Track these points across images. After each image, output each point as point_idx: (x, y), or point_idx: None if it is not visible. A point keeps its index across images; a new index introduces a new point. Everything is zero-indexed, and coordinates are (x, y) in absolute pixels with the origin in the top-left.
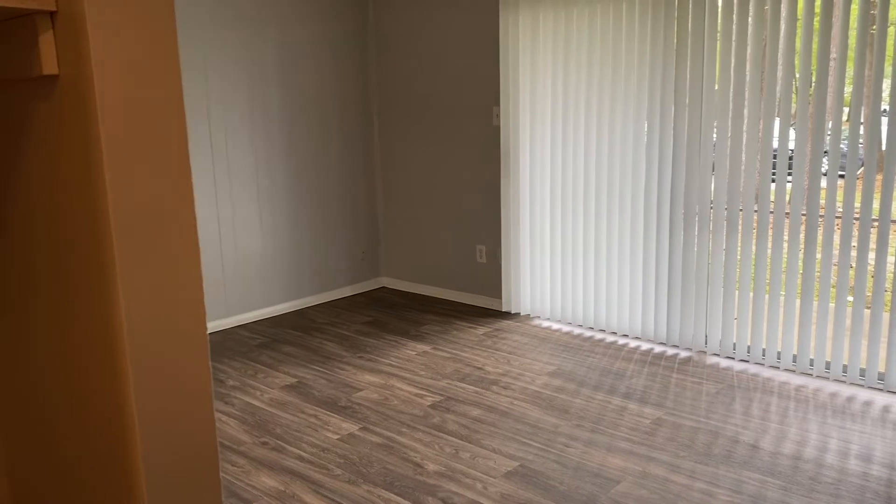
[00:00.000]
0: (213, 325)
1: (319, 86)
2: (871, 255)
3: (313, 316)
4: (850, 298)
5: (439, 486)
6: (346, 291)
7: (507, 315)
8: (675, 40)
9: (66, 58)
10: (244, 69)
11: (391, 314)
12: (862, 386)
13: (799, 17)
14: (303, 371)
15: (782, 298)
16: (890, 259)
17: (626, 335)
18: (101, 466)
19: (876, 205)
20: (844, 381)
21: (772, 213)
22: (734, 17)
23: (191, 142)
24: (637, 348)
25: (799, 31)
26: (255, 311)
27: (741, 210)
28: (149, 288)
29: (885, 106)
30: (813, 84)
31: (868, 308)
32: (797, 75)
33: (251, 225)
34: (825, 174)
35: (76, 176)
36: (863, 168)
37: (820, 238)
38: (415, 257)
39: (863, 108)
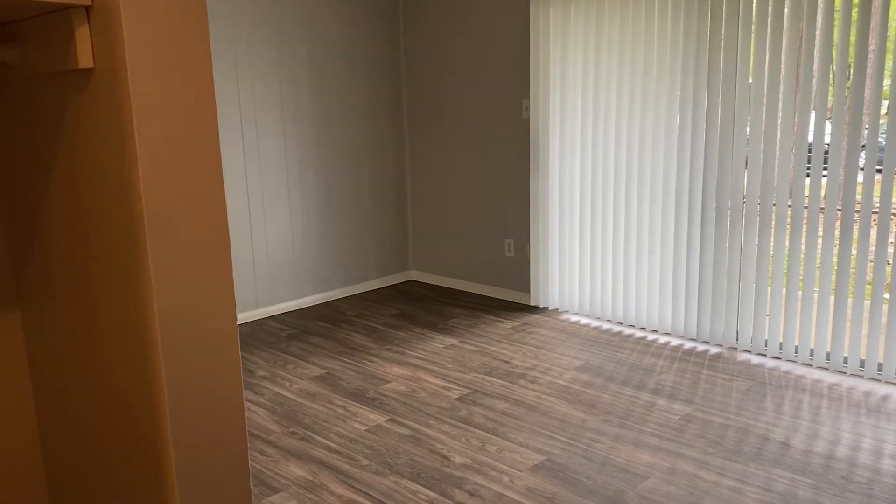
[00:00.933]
0: (243, 317)
1: (349, 79)
2: None
3: (342, 308)
4: (887, 296)
5: (466, 479)
6: (375, 284)
7: (535, 309)
8: (709, 31)
9: (101, 51)
10: (274, 62)
11: (419, 307)
12: None
13: (837, 7)
14: (331, 362)
15: (816, 295)
16: None
17: (655, 331)
18: (131, 453)
19: None
20: (879, 380)
21: (806, 208)
22: (769, 7)
23: (221, 135)
24: (666, 344)
25: (836, 22)
26: (284, 303)
27: (775, 205)
28: (180, 279)
29: None
30: (850, 76)
31: None
32: (834, 67)
33: (281, 218)
34: (862, 169)
35: (110, 168)
36: None
37: (855, 234)
38: (443, 250)
39: None
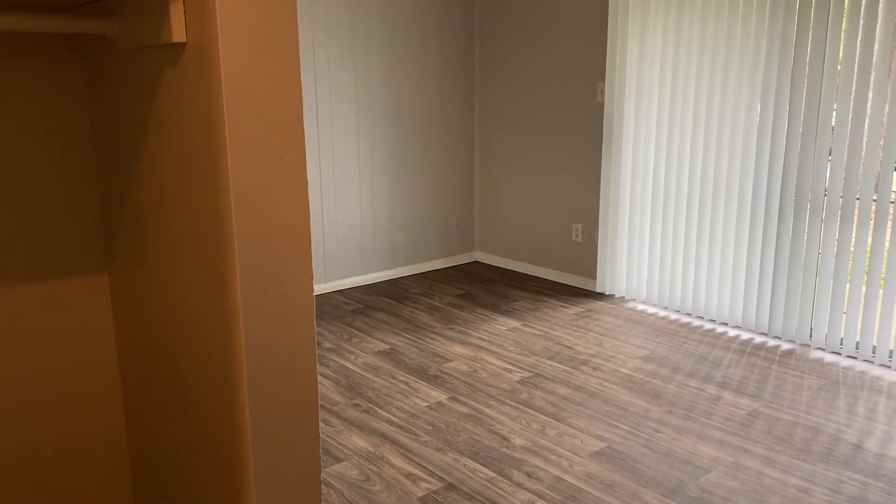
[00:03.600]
0: None
1: (422, 60)
2: None
3: (407, 286)
4: None
5: (524, 461)
6: (439, 264)
7: (600, 296)
8: (797, 13)
9: (194, 26)
10: (349, 43)
11: (483, 288)
12: None
13: None
14: (395, 338)
15: None
16: None
17: (724, 323)
18: (209, 410)
19: None
20: None
21: (893, 203)
22: None
23: None
24: (736, 337)
25: None
26: (351, 278)
27: (858, 198)
28: (262, 250)
29: None
30: None
31: None
32: None
33: (351, 195)
34: None
35: (199, 141)
36: None
37: None
38: (509, 233)
39: None
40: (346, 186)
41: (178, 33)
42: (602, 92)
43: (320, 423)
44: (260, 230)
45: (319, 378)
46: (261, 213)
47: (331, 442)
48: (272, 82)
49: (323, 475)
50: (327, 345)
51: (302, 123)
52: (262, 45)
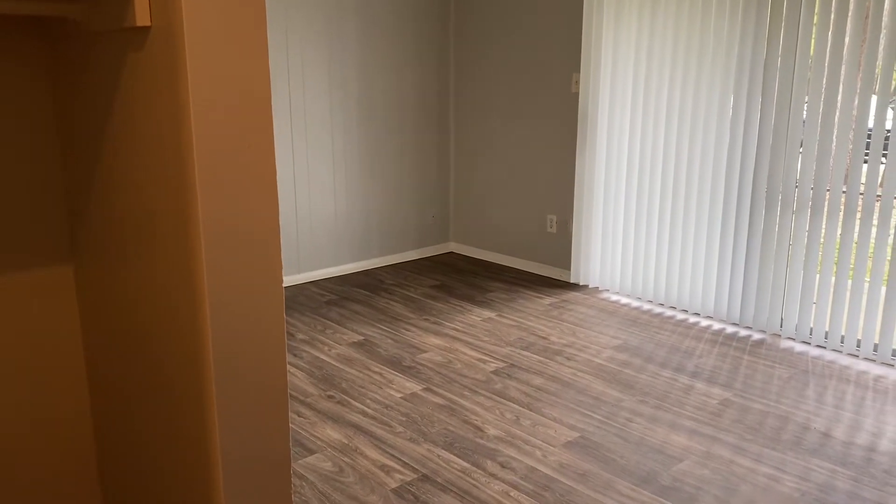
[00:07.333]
0: (285, 280)
1: (398, 49)
2: None
3: (381, 276)
4: None
5: (498, 451)
6: (414, 255)
7: (574, 286)
8: (770, 7)
9: (159, 9)
10: (323, 32)
11: (458, 279)
12: None
13: None
14: (369, 329)
15: (867, 284)
16: None
17: (697, 313)
18: (176, 405)
19: None
20: None
21: (861, 195)
22: None
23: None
24: (708, 327)
25: None
26: (325, 269)
27: (828, 190)
28: (230, 239)
29: None
30: None
31: None
32: None
33: (325, 185)
34: None
35: (164, 126)
36: None
37: None
38: (484, 224)
39: None
40: (320, 176)
41: (143, 16)
42: (577, 83)
43: (293, 416)
44: (227, 218)
45: (293, 370)
46: (228, 202)
47: (304, 434)
48: (239, 68)
49: (296, 467)
50: (301, 336)
51: (270, 109)
52: (229, 29)
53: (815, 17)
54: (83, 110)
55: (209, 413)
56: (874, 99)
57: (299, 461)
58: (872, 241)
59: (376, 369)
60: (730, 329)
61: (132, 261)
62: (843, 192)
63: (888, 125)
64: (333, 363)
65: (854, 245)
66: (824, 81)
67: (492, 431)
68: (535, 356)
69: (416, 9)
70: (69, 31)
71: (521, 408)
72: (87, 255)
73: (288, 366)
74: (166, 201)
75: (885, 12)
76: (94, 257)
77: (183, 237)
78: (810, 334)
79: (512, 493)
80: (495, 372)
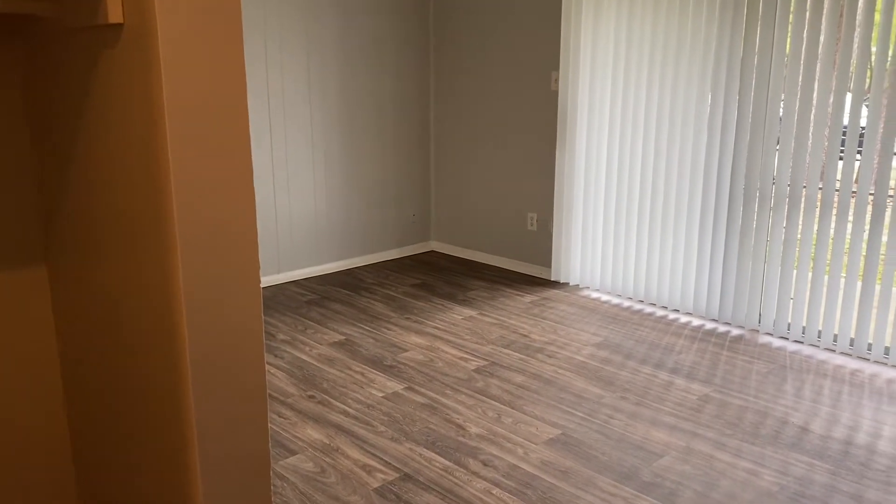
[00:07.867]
0: (265, 280)
1: (377, 49)
2: None
3: (362, 276)
4: None
5: (480, 449)
6: (395, 254)
7: (555, 284)
8: (746, 5)
9: (131, 6)
10: (302, 31)
11: (439, 278)
12: None
13: None
14: (351, 329)
15: (843, 280)
16: None
17: (676, 310)
18: (153, 409)
19: None
20: None
21: (837, 191)
22: None
23: (247, 100)
24: (687, 324)
25: (879, 3)
26: (306, 269)
27: (805, 187)
28: (206, 238)
29: None
30: (890, 58)
31: None
32: (874, 48)
33: (305, 184)
34: None
35: (138, 124)
36: None
37: (887, 220)
38: (465, 222)
39: None
40: (300, 175)
41: (115, 13)
42: (556, 81)
43: (274, 416)
44: (203, 217)
45: (273, 370)
46: (203, 200)
47: (285, 434)
48: (214, 66)
49: (277, 468)
50: (281, 336)
51: (246, 107)
52: (203, 26)
53: (791, 17)
54: (56, 109)
55: (187, 414)
56: (849, 97)
57: (280, 462)
58: (848, 236)
59: (357, 369)
60: (709, 325)
61: (107, 261)
62: (820, 188)
63: (863, 122)
64: (314, 363)
65: (830, 241)
66: (800, 79)
67: (473, 430)
68: (516, 354)
69: (394, 7)
70: (41, 29)
71: (502, 406)
72: (61, 256)
73: (268, 366)
74: (141, 200)
75: (859, 11)
76: (68, 257)
77: (158, 236)
78: (788, 329)
79: (494, 491)
80: (477, 370)
